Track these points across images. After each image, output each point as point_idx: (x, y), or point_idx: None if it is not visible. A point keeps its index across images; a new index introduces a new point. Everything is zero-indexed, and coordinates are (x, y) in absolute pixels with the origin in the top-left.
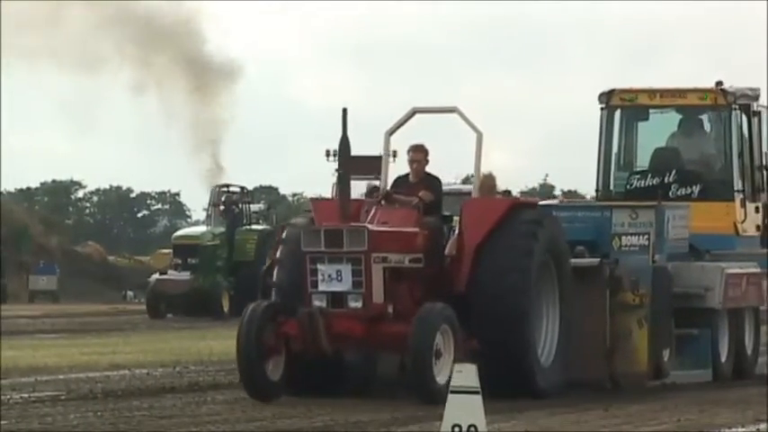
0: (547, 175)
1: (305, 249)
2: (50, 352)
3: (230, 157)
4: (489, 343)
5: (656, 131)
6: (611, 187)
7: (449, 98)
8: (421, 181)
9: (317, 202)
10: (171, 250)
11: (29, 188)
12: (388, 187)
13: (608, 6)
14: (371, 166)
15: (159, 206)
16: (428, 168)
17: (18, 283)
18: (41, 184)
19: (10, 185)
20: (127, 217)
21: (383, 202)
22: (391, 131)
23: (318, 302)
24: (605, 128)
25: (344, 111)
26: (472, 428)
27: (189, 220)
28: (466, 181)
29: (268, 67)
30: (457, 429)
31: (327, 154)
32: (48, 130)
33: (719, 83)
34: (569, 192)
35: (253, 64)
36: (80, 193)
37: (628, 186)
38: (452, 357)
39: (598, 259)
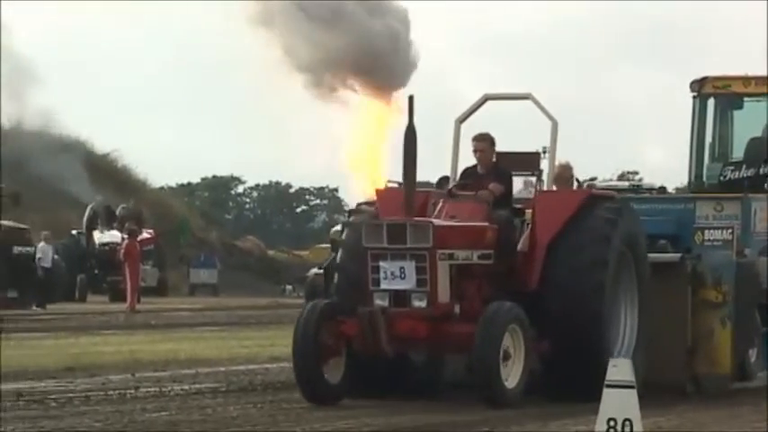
0: None
1: (366, 245)
2: (211, 344)
3: (388, 152)
4: (562, 343)
5: (751, 120)
6: (704, 179)
7: (582, 92)
8: (490, 172)
9: (382, 191)
10: (329, 245)
11: (189, 183)
12: (458, 178)
13: None
14: (530, 161)
15: (318, 201)
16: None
17: (179, 276)
18: (202, 179)
19: (171, 181)
20: (286, 212)
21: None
22: (462, 119)
23: (380, 301)
24: (698, 117)
25: (411, 98)
26: (627, 423)
27: (347, 215)
28: (622, 177)
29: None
30: (612, 424)
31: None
32: (210, 127)
33: None
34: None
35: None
36: (240, 189)
37: (721, 178)
38: (523, 359)
39: (680, 254)
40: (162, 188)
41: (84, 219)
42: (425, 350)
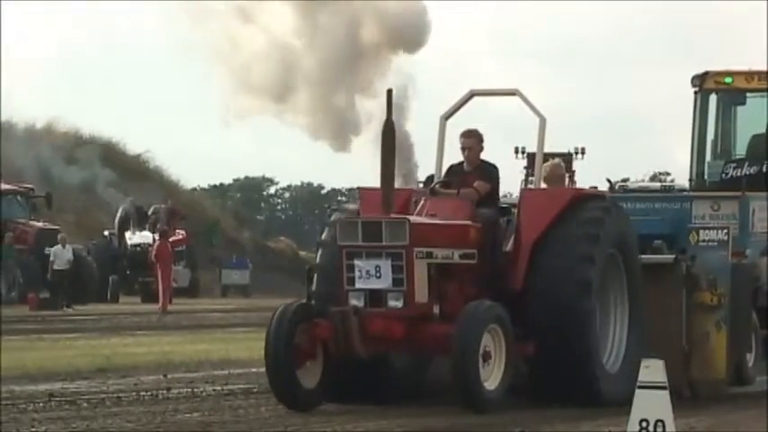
0: None
1: (341, 243)
2: (242, 345)
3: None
4: (546, 346)
5: (754, 117)
6: (706, 176)
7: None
8: (476, 169)
9: (365, 191)
10: None
11: (222, 184)
12: (443, 176)
13: None
14: None
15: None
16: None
17: (210, 277)
18: (234, 180)
19: (203, 182)
20: (318, 213)
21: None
22: (447, 116)
23: (355, 301)
24: (699, 113)
25: (389, 92)
26: (659, 424)
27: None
28: (654, 178)
29: (451, 58)
30: (644, 425)
31: (516, 151)
32: (241, 129)
33: None
34: None
35: (434, 56)
36: (272, 190)
37: (723, 175)
38: (504, 360)
39: (673, 256)
40: (194, 189)
41: (116, 220)
42: (402, 351)
